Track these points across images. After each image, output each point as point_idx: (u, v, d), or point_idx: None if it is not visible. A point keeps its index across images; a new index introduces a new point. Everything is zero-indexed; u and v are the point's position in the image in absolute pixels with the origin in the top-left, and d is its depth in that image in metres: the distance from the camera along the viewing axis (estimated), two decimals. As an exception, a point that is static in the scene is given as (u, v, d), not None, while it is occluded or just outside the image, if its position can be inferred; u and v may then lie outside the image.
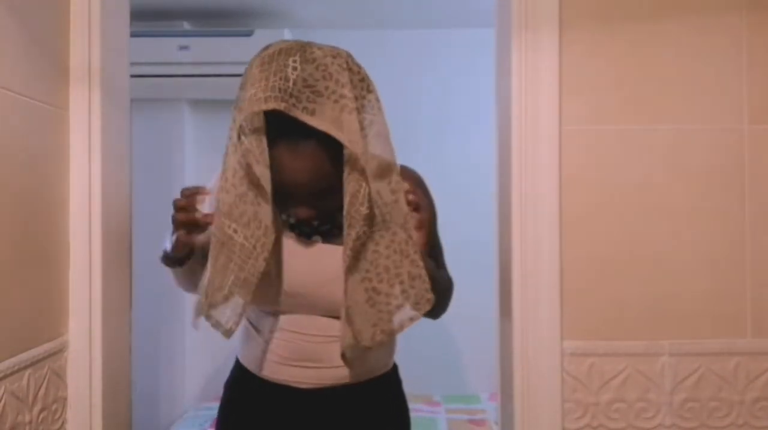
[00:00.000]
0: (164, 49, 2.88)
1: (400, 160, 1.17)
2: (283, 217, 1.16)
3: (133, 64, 1.38)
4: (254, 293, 1.06)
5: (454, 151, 3.18)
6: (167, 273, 1.23)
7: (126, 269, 1.35)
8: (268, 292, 1.14)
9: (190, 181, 3.10)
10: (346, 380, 1.21)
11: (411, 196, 1.08)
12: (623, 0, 1.20)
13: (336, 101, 0.98)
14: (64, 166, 1.19)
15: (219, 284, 1.06)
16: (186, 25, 3.07)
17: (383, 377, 1.29)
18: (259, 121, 0.98)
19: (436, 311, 1.20)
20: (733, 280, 1.20)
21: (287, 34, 2.93)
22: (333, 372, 1.19)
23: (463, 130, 3.18)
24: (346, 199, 1.01)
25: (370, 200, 1.02)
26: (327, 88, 0.98)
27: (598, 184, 1.20)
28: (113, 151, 1.26)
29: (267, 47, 1.03)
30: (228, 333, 1.08)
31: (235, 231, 1.04)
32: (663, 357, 1.19)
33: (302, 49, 1.00)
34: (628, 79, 1.20)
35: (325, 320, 1.18)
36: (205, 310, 1.07)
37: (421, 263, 1.07)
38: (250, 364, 1.27)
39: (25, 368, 1.08)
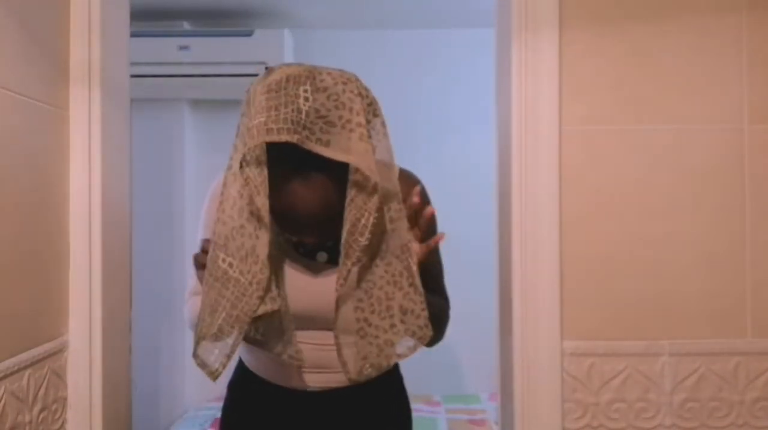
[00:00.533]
0: (164, 49, 2.88)
1: (400, 161, 1.17)
2: (287, 236, 1.14)
3: (133, 64, 1.39)
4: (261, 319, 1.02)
5: (454, 151, 3.18)
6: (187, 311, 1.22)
7: (126, 269, 1.35)
8: (277, 315, 1.12)
9: (190, 181, 3.13)
10: (349, 382, 1.20)
11: (417, 206, 1.05)
12: (623, 0, 1.20)
13: (351, 131, 0.95)
14: (64, 166, 1.19)
15: (209, 320, 1.01)
16: (186, 25, 3.07)
17: (385, 375, 1.29)
18: (261, 150, 0.95)
19: (431, 341, 1.15)
20: (732, 280, 1.20)
21: (287, 34, 2.93)
22: (338, 376, 1.19)
23: (463, 130, 3.18)
24: (346, 227, 0.97)
25: (371, 232, 0.97)
26: (341, 117, 0.95)
27: (598, 184, 1.20)
28: (113, 151, 1.26)
29: (270, 72, 0.99)
30: (214, 375, 1.01)
31: (230, 265, 0.99)
32: (663, 357, 1.19)
33: (311, 76, 0.97)
34: (628, 79, 1.20)
35: (331, 332, 1.17)
36: (194, 346, 1.01)
37: (415, 297, 1.03)
38: (257, 370, 1.27)
39: (25, 368, 1.08)
